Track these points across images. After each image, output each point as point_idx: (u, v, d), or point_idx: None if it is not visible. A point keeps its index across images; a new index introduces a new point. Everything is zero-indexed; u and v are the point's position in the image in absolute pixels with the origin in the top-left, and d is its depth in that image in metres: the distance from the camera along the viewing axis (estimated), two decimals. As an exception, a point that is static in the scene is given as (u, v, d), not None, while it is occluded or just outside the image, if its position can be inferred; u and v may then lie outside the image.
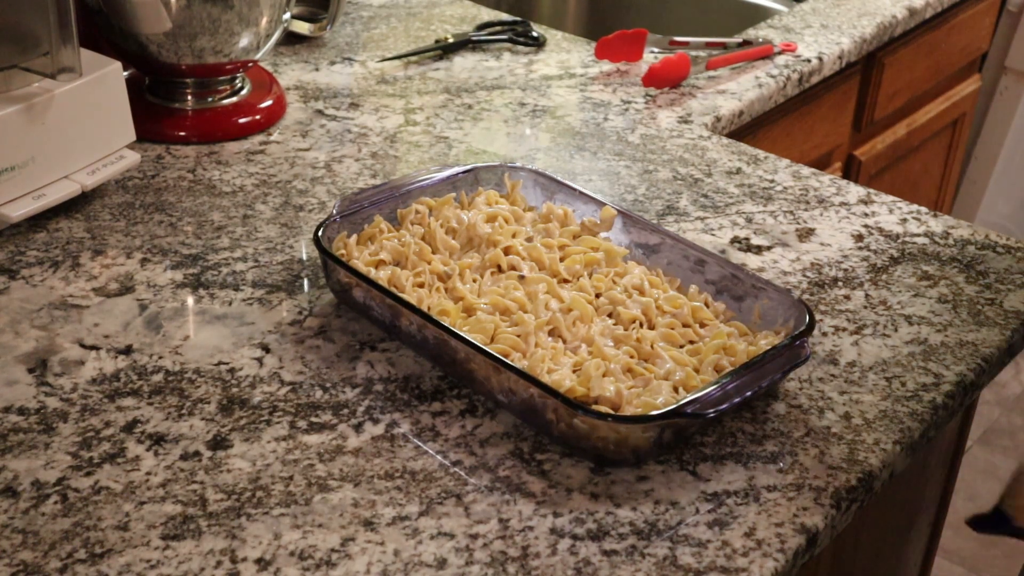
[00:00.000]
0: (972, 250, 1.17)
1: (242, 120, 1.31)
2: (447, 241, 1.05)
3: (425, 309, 0.96)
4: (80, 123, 1.12)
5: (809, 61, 1.57)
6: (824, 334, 1.03)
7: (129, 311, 1.02)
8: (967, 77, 2.21)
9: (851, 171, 1.90)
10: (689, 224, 1.18)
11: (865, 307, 1.07)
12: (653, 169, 1.28)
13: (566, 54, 1.55)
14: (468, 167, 1.12)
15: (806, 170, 1.30)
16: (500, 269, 1.03)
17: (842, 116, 1.79)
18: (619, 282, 1.02)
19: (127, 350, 0.97)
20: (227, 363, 0.96)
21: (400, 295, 0.97)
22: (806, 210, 1.22)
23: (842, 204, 1.23)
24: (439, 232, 1.05)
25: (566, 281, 1.02)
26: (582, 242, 1.06)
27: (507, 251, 1.04)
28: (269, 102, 1.33)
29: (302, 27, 1.48)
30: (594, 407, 0.87)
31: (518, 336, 0.94)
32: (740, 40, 1.57)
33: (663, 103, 1.43)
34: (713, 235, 1.17)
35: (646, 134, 1.35)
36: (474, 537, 0.81)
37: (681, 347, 0.96)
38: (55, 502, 0.82)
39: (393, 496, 0.84)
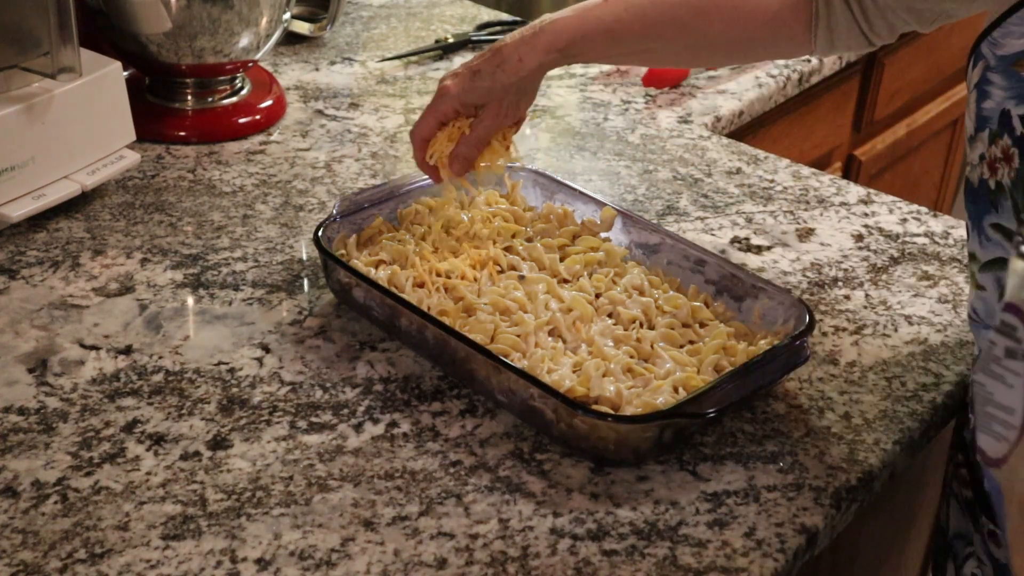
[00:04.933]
0: (972, 250, 1.16)
1: (242, 120, 1.31)
2: (447, 241, 1.05)
3: (425, 309, 0.96)
4: (80, 123, 1.12)
5: (809, 61, 1.57)
6: (824, 334, 1.03)
7: (129, 311, 1.02)
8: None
9: (851, 171, 1.89)
10: (689, 224, 1.18)
11: (865, 307, 1.07)
12: (653, 169, 1.28)
13: (566, 54, 1.54)
14: (468, 167, 1.12)
15: (806, 170, 1.30)
16: (500, 269, 1.03)
17: (842, 116, 1.79)
18: (619, 282, 1.02)
19: (127, 350, 0.97)
20: (227, 363, 0.96)
21: (400, 295, 0.97)
22: (806, 210, 1.22)
23: (842, 204, 1.23)
24: (439, 232, 1.05)
25: (566, 281, 1.02)
26: (582, 242, 1.06)
27: (507, 251, 1.04)
28: (269, 102, 1.33)
29: (302, 27, 1.48)
30: (594, 407, 0.87)
31: (518, 336, 0.94)
32: (740, 40, 1.56)
33: (663, 103, 1.43)
34: (713, 235, 1.17)
35: (646, 134, 1.35)
36: (474, 537, 0.81)
37: (681, 347, 0.96)
38: (55, 502, 0.82)
39: (393, 496, 0.84)
